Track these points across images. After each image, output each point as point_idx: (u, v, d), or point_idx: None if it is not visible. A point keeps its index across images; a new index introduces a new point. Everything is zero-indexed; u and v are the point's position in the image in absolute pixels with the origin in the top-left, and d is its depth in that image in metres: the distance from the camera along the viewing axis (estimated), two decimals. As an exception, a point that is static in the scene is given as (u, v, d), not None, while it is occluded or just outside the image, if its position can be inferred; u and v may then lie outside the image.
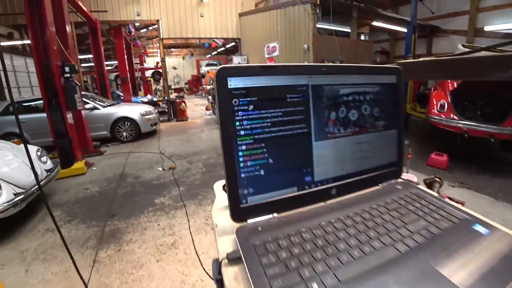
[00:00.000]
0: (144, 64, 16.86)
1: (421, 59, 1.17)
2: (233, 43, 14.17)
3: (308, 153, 0.55)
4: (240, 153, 0.50)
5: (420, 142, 5.92)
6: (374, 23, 9.30)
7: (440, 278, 0.37)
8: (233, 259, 0.43)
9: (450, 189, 3.54)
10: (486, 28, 8.78)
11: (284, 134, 0.52)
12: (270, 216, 0.52)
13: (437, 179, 1.70)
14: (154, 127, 7.11)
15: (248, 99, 0.49)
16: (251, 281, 0.37)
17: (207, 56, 22.67)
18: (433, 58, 1.14)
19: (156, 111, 7.74)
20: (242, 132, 0.49)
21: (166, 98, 10.27)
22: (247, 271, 0.39)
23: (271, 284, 0.36)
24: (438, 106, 4.80)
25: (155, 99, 10.65)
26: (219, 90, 0.47)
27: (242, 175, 0.50)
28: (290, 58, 8.31)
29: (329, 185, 0.58)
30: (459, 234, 0.46)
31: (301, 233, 0.46)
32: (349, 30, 8.61)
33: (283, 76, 0.52)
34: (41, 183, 3.06)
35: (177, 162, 4.83)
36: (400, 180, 0.66)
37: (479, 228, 0.47)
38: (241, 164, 0.50)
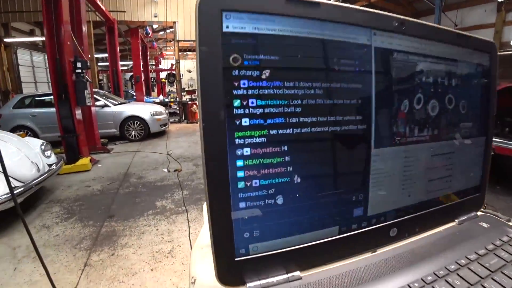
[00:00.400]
0: (160, 65, 17.06)
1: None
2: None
3: (362, 168, 0.33)
4: (240, 163, 0.28)
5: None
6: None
7: None
8: None
9: (476, 211, 3.23)
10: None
11: (325, 131, 0.30)
12: (289, 275, 0.30)
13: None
14: (163, 127, 7.03)
15: (263, 57, 0.27)
16: None
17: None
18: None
19: (167, 112, 7.68)
20: (245, 121, 0.27)
21: (178, 99, 10.25)
22: None
23: None
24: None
25: (167, 100, 10.66)
26: (203, 36, 0.25)
27: (241, 203, 0.28)
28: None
29: (389, 222, 0.35)
30: None
31: None
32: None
33: (328, 23, 0.29)
34: (42, 177, 2.97)
35: (183, 164, 4.68)
36: (480, 213, 0.46)
37: None
38: (241, 184, 0.28)
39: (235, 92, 0.27)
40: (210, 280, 0.30)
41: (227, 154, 0.27)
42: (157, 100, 10.61)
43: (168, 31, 13.00)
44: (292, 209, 0.30)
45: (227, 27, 0.26)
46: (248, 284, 0.29)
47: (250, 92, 0.27)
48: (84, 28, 5.03)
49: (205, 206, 0.49)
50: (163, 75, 16.74)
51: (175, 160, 4.92)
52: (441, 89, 0.37)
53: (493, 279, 0.30)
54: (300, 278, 0.30)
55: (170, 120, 8.48)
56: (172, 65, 15.68)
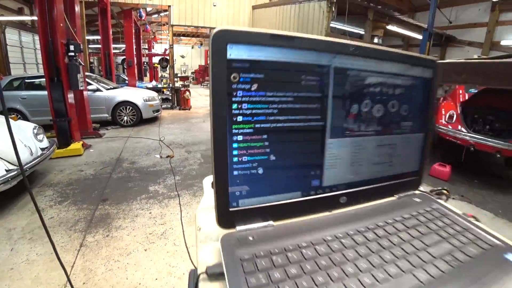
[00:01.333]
0: (152, 50, 16.73)
1: (462, 59, 1.03)
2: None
3: (319, 152, 0.45)
4: (235, 145, 0.39)
5: (424, 151, 5.81)
6: (389, 27, 9.11)
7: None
8: (213, 274, 0.35)
9: (450, 201, 3.45)
10: (503, 43, 8.58)
11: (293, 125, 0.42)
12: (266, 224, 0.42)
13: (444, 191, 1.62)
14: (156, 113, 7.03)
15: (253, 75, 0.38)
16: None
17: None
18: (477, 59, 1.01)
19: (160, 97, 7.65)
20: (240, 118, 0.39)
21: (171, 85, 10.17)
22: None
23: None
24: (447, 116, 4.68)
25: (159, 86, 10.54)
26: (215, 61, 0.36)
27: (235, 172, 0.40)
28: (299, 55, 8.15)
29: (340, 192, 0.48)
30: (490, 263, 0.38)
31: (301, 248, 0.37)
32: (363, 32, 8.44)
33: (300, 51, 0.40)
34: (35, 161, 3.01)
35: (175, 150, 4.75)
36: (418, 192, 0.57)
37: (510, 257, 0.39)
38: (235, 159, 0.40)
39: (234, 99, 0.38)
40: (211, 228, 0.44)
41: (227, 139, 0.39)
42: (150, 85, 10.47)
43: (162, 14, 12.73)
44: (268, 177, 0.42)
45: (231, 55, 0.36)
46: (237, 227, 0.41)
47: (243, 99, 0.39)
48: (77, 9, 4.92)
49: (205, 180, 0.61)
50: (155, 59, 16.47)
51: (167, 146, 4.98)
52: (386, 97, 0.48)
53: (407, 233, 0.42)
54: (273, 226, 0.43)
55: (163, 106, 8.46)
56: (165, 49, 15.39)
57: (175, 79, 11.13)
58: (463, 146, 4.37)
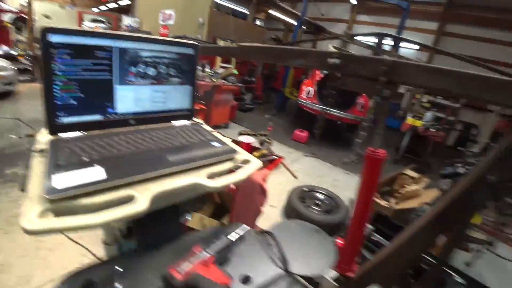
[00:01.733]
0: (2, 4, 12.78)
1: (251, 44, 1.49)
2: (128, 2, 12.46)
3: (111, 93, 0.73)
4: (56, 87, 0.63)
5: (291, 121, 6.99)
6: (271, 12, 10.01)
7: (164, 158, 0.64)
8: (43, 150, 0.63)
9: (304, 158, 4.47)
10: (356, 38, 10.88)
11: (92, 78, 0.68)
12: (79, 133, 0.68)
13: (267, 139, 2.21)
14: (8, 87, 5.71)
15: (66, 51, 0.63)
16: (49, 162, 0.55)
17: (94, 10, 19.15)
18: (257, 44, 1.47)
19: (16, 68, 6.21)
20: (59, 73, 0.63)
21: (30, 53, 8.28)
22: (49, 156, 0.57)
23: (60, 162, 0.54)
24: (306, 92, 5.81)
25: (14, 53, 8.40)
26: (43, 42, 0.60)
27: (58, 102, 0.65)
28: (184, 29, 8.02)
29: (129, 117, 0.78)
30: (199, 145, 0.74)
31: (94, 140, 0.65)
32: (248, 12, 8.99)
33: (94, 38, 0.67)
34: None
35: (39, 129, 4.12)
36: (191, 121, 0.92)
37: (215, 143, 0.77)
38: (57, 95, 0.64)
39: (54, 62, 0.62)
40: (45, 139, 0.66)
41: (52, 84, 0.63)
42: (-1, 51, 8.20)
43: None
44: (79, 106, 0.68)
45: (51, 39, 0.61)
46: (59, 134, 0.66)
47: (60, 62, 0.63)
48: None
49: None
50: (7, 17, 12.72)
51: (26, 125, 4.26)
52: (156, 63, 0.79)
53: (166, 136, 0.74)
54: (85, 134, 0.69)
55: (20, 78, 6.90)
56: (21, 6, 12.03)
57: (37, 45, 9.08)
58: (317, 115, 5.58)
